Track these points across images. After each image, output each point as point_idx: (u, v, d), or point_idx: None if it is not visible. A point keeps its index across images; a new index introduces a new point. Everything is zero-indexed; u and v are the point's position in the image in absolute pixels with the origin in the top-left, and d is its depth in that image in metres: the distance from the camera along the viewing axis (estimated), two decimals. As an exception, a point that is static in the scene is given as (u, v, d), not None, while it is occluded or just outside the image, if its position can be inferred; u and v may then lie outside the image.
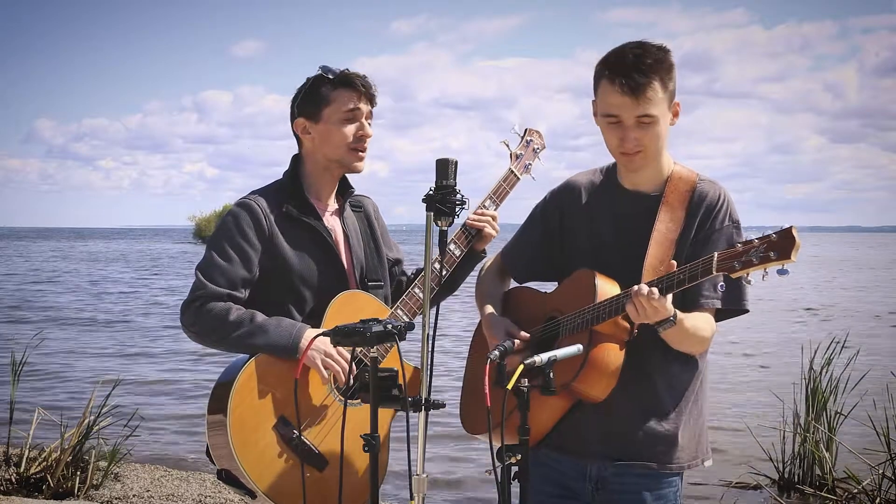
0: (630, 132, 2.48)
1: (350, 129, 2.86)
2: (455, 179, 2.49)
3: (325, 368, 2.71)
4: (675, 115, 2.55)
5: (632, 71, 2.43)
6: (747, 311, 2.56)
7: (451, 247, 2.91)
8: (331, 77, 2.86)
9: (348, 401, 2.68)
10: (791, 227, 2.15)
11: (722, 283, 2.46)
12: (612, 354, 2.47)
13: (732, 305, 2.53)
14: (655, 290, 2.31)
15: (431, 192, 2.46)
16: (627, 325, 2.48)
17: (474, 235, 2.95)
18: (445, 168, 2.48)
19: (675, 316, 2.40)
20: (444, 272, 2.84)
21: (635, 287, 2.34)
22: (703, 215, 2.56)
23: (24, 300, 22.50)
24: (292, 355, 2.67)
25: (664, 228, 2.54)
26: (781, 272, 2.17)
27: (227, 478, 2.70)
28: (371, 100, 2.91)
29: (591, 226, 2.66)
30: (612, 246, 2.61)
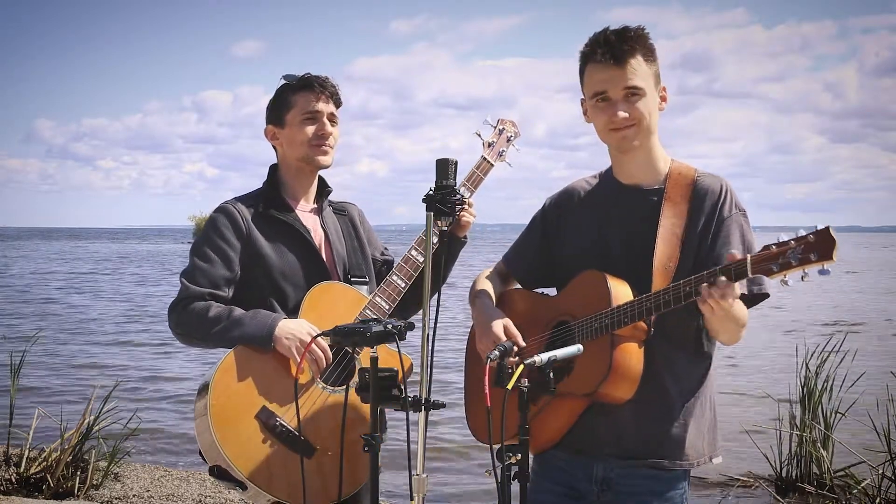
0: (618, 106, 2.51)
1: (311, 129, 2.98)
2: (455, 179, 2.50)
3: (299, 354, 2.74)
4: (664, 99, 2.58)
5: (613, 42, 2.49)
6: (768, 294, 2.53)
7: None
8: (293, 83, 2.99)
9: (330, 387, 2.79)
10: (827, 227, 2.13)
11: None
12: (635, 356, 2.46)
13: (756, 290, 2.49)
14: (734, 284, 2.24)
15: (431, 192, 2.47)
16: (645, 325, 2.47)
17: (451, 224, 2.99)
18: (445, 168, 2.49)
19: None
20: (425, 260, 2.86)
21: (706, 289, 2.26)
22: (709, 208, 2.55)
23: (25, 300, 22.50)
24: (267, 345, 2.74)
25: (669, 224, 2.53)
26: (822, 272, 2.16)
27: (219, 473, 2.73)
28: (332, 98, 3.02)
29: (593, 225, 2.65)
30: (616, 245, 2.60)
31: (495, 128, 3.11)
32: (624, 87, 2.49)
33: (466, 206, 2.96)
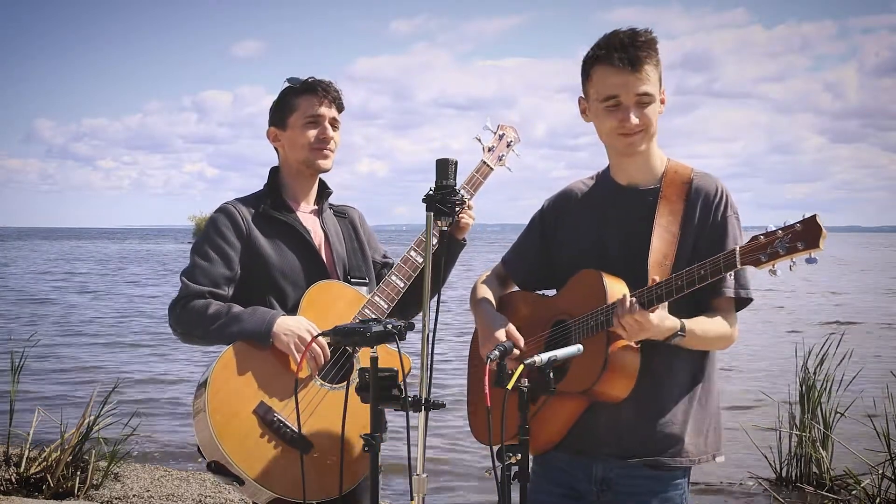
0: (630, 111, 2.50)
1: (312, 133, 3.00)
2: (455, 179, 2.50)
3: (298, 352, 2.76)
4: (663, 102, 2.58)
5: (628, 46, 2.48)
6: (751, 299, 2.56)
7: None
8: (297, 86, 3.02)
9: (328, 385, 2.82)
10: (815, 214, 2.14)
11: (731, 273, 2.44)
12: (630, 353, 2.46)
13: (743, 293, 2.53)
14: (646, 311, 2.33)
15: (431, 192, 2.47)
16: None
17: (451, 225, 3.02)
18: (445, 168, 2.49)
19: (682, 328, 2.41)
20: (425, 260, 2.89)
21: (618, 309, 2.35)
22: (703, 207, 2.56)
23: (25, 301, 22.50)
24: (265, 340, 2.77)
25: (665, 223, 2.54)
26: (810, 261, 2.16)
27: (216, 468, 2.74)
28: (334, 103, 3.05)
29: (591, 226, 2.66)
30: (614, 245, 2.61)
31: (495, 133, 3.14)
32: (637, 93, 2.49)
33: (466, 208, 2.98)
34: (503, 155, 3.12)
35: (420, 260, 2.93)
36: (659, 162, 2.64)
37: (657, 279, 2.39)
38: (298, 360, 2.74)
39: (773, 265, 2.20)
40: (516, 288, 2.90)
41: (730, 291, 2.52)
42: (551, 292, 2.79)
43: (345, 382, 2.82)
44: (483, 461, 6.92)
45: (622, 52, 2.47)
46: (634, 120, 2.50)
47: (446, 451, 7.70)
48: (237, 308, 2.83)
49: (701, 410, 2.60)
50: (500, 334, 2.59)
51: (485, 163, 3.08)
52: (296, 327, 2.78)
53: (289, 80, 3.05)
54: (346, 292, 2.96)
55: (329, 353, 2.83)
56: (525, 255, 2.85)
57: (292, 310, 2.89)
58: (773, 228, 2.20)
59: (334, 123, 3.05)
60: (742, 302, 2.57)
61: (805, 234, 2.14)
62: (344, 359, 2.89)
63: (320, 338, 2.76)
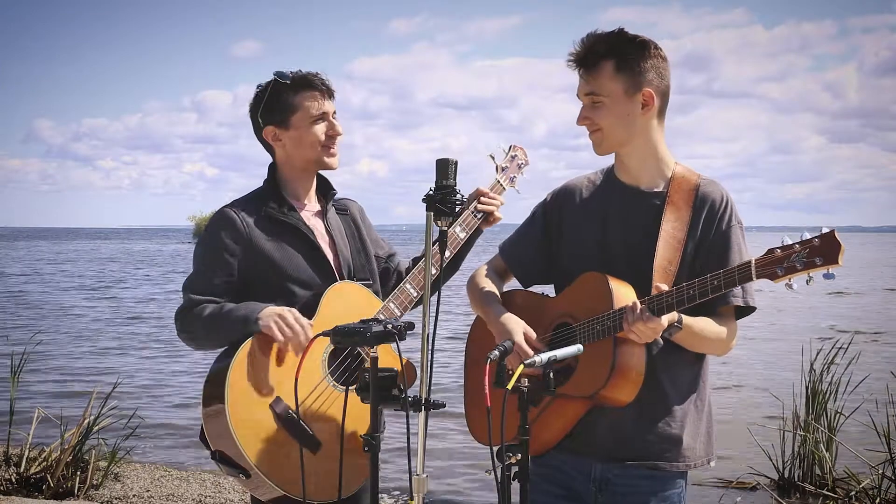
0: (583, 110, 2.57)
1: (321, 129, 2.97)
2: (455, 179, 2.49)
3: (281, 333, 2.72)
4: (646, 105, 2.53)
5: (581, 48, 2.54)
6: (755, 308, 2.55)
7: (457, 229, 3.04)
8: (288, 82, 2.96)
9: (340, 386, 2.81)
10: (832, 230, 2.14)
11: None
12: (637, 358, 2.44)
13: (751, 301, 2.52)
14: (660, 318, 2.34)
15: (431, 192, 2.46)
16: None
17: (481, 219, 3.09)
18: (445, 168, 2.48)
19: (680, 321, 2.40)
20: (447, 256, 2.90)
21: (628, 315, 2.35)
22: (708, 215, 2.55)
23: (25, 301, 22.51)
24: (250, 325, 2.74)
25: (670, 228, 2.53)
26: (828, 276, 2.16)
27: (221, 458, 2.74)
28: (331, 95, 3.03)
29: (593, 223, 2.65)
30: (616, 245, 2.60)
31: (508, 153, 3.20)
32: (585, 92, 2.56)
33: (498, 206, 3.08)
34: (514, 177, 3.19)
35: (433, 272, 2.91)
36: (665, 165, 2.62)
37: (661, 286, 2.38)
38: (278, 339, 2.72)
39: (790, 279, 2.19)
40: (514, 281, 2.88)
41: (734, 300, 2.50)
42: (551, 292, 2.78)
43: (352, 384, 2.80)
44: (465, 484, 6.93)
45: (576, 53, 2.55)
46: (582, 119, 2.57)
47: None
48: (229, 304, 2.83)
49: (698, 415, 2.61)
50: (520, 340, 2.57)
51: (498, 181, 3.15)
52: (276, 308, 2.75)
53: (277, 74, 2.98)
54: (360, 294, 2.95)
55: (311, 332, 2.77)
56: (526, 248, 2.82)
57: (302, 310, 2.84)
58: (790, 242, 2.19)
59: (335, 117, 3.02)
60: (744, 310, 2.56)
61: (823, 250, 2.14)
62: (358, 360, 2.87)
63: (303, 319, 2.74)
